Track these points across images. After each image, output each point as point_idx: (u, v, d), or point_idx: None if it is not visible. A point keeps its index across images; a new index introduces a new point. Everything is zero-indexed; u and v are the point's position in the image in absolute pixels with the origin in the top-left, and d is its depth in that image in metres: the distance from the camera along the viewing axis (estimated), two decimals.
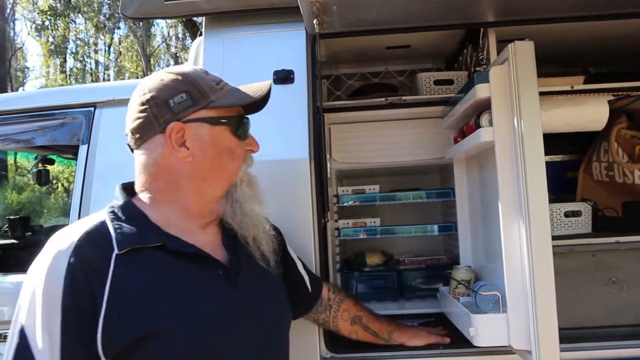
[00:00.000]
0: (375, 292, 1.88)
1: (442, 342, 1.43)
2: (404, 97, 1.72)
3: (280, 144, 1.51)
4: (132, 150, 1.02)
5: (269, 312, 1.05)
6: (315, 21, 1.40)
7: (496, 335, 1.19)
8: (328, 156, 1.75)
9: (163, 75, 1.00)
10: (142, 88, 0.99)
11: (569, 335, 1.30)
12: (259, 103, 1.05)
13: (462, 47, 1.84)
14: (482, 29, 1.61)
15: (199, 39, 1.74)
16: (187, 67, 1.03)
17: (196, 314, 0.91)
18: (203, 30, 1.62)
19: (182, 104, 0.96)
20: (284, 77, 1.55)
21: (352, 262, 1.95)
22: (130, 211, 0.96)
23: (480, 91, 1.24)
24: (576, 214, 1.63)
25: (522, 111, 1.17)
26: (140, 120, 0.97)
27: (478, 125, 1.28)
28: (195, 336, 0.89)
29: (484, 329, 1.20)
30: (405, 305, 1.82)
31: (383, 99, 1.72)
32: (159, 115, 0.96)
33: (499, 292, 1.22)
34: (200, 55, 1.64)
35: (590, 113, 1.56)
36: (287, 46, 1.58)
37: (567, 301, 1.38)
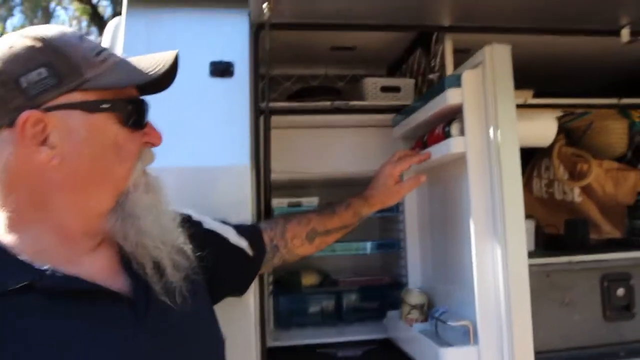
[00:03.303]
0: (311, 316, 1.70)
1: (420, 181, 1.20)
2: (351, 102, 1.57)
3: (215, 147, 1.28)
4: None
5: (196, 351, 0.81)
6: (265, 5, 1.21)
7: None
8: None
9: (14, 40, 0.70)
10: None
11: None
12: (163, 79, 0.78)
13: (407, 54, 1.75)
14: (435, 34, 1.52)
15: (117, 19, 1.46)
16: (51, 28, 0.72)
17: None
18: (124, 6, 1.34)
19: (40, 84, 0.67)
20: (222, 69, 1.32)
21: (286, 282, 1.75)
22: None
23: (452, 97, 1.12)
24: None
25: (499, 120, 1.07)
26: None
27: (447, 135, 1.16)
28: None
29: None
30: (345, 331, 1.65)
31: (329, 103, 1.56)
32: (6, 99, 0.67)
33: (469, 321, 1.10)
34: (119, 39, 1.36)
35: (539, 128, 1.53)
36: (227, 34, 1.35)
37: None
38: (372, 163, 1.67)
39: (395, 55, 1.81)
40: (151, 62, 0.77)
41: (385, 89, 1.67)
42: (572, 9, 1.37)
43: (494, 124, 1.07)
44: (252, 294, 1.25)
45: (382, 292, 1.72)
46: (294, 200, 1.75)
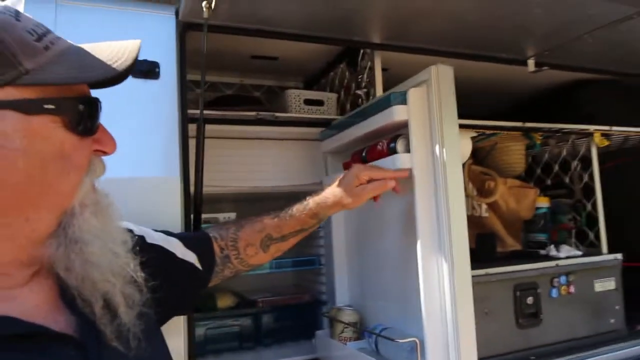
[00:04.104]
0: (228, 341, 1.58)
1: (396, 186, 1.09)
2: (277, 114, 1.51)
3: (142, 156, 1.14)
4: None
5: None
6: (204, 4, 1.11)
7: None
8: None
9: None
10: None
11: None
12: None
13: (329, 68, 1.74)
14: (362, 51, 1.53)
15: (9, 2, 1.23)
16: None
17: None
18: None
19: None
20: (146, 70, 1.18)
21: (202, 306, 1.61)
22: None
23: (398, 113, 1.12)
24: None
25: (444, 138, 1.09)
26: None
27: (392, 151, 1.15)
28: None
29: None
30: (263, 354, 1.57)
31: (255, 113, 1.48)
32: None
33: (417, 338, 1.09)
34: None
35: None
36: (151, 33, 1.21)
37: None
38: (294, 177, 1.63)
39: (315, 68, 1.79)
40: (108, 52, 0.63)
41: (308, 102, 1.64)
42: (488, 38, 1.48)
43: (440, 142, 1.09)
44: (182, 322, 1.13)
45: (301, 312, 1.67)
46: (211, 215, 1.63)
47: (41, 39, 0.57)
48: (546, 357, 1.47)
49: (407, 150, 1.13)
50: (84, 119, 0.61)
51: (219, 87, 1.82)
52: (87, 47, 0.63)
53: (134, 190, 1.10)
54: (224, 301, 1.64)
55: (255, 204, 1.87)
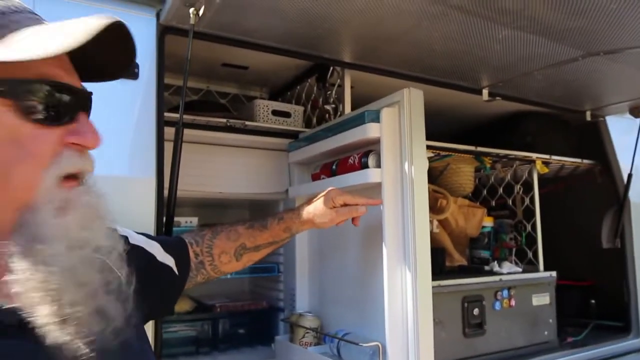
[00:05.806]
0: (184, 346, 1.58)
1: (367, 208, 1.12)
2: (247, 122, 1.54)
3: (119, 155, 1.14)
4: None
5: None
6: (192, 10, 1.14)
7: None
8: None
9: None
10: None
11: None
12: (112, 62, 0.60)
13: (297, 81, 1.79)
14: (331, 68, 1.60)
15: None
16: None
17: None
18: None
19: None
20: None
21: None
22: None
23: (371, 130, 1.20)
24: None
25: (413, 156, 1.17)
26: None
27: (364, 166, 1.22)
28: None
29: None
30: (221, 359, 1.58)
31: (225, 120, 1.51)
32: None
33: (379, 342, 1.15)
34: None
35: None
36: (132, 31, 1.22)
37: None
38: (258, 185, 1.66)
39: (282, 80, 1.84)
40: (81, 27, 0.53)
41: (276, 113, 1.68)
42: (449, 67, 1.59)
43: (409, 159, 1.17)
44: (149, 324, 1.13)
45: (258, 318, 1.69)
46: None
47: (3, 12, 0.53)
48: None
49: (378, 165, 1.20)
50: (42, 105, 0.54)
51: (186, 92, 1.82)
52: (54, 25, 0.56)
53: (107, 189, 1.10)
54: (181, 305, 1.63)
55: (217, 209, 1.88)
